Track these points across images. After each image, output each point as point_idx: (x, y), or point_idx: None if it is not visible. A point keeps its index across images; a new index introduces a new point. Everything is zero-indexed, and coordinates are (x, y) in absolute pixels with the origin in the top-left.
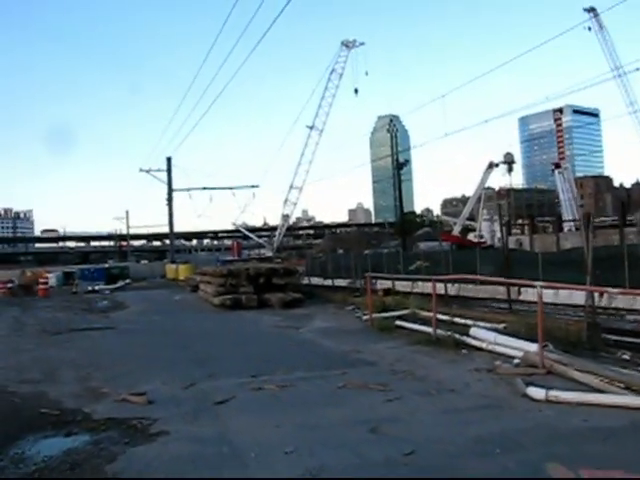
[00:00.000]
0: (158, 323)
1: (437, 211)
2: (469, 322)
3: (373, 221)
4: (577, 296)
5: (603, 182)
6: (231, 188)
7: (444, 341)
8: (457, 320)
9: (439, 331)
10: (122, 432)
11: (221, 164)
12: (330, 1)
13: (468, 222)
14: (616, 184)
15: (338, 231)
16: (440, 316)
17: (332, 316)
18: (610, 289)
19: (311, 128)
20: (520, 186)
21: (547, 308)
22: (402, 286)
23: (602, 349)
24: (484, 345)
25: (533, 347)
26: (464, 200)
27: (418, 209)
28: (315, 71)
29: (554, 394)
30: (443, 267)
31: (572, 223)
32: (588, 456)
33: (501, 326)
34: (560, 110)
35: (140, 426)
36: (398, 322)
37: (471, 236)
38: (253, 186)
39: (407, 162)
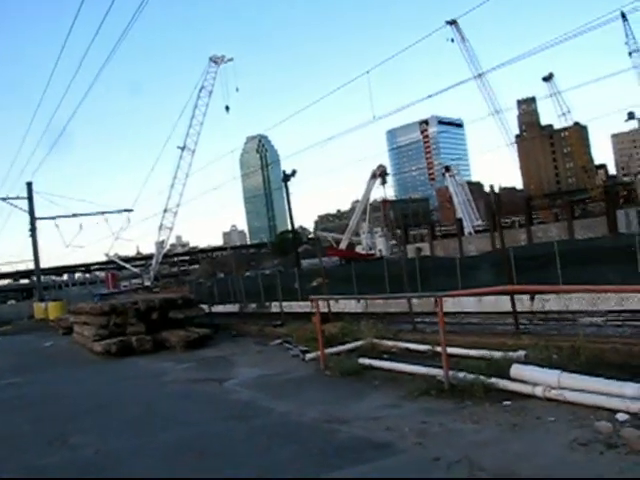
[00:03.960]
0: (17, 389)
1: (312, 228)
2: (459, 350)
3: (248, 242)
4: (503, 302)
5: (475, 188)
6: (103, 213)
7: (465, 389)
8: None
9: (458, 374)
10: None
11: (91, 189)
12: (200, 19)
13: (339, 236)
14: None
15: (215, 255)
16: (410, 345)
17: (259, 357)
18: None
19: (182, 149)
20: (393, 197)
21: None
22: (339, 307)
23: None
24: (539, 391)
25: (629, 389)
26: (339, 215)
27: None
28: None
29: None
30: (342, 283)
31: (471, 226)
32: None
33: (520, 354)
34: (426, 122)
35: None
36: (363, 360)
37: (359, 249)
38: (127, 210)
39: (293, 173)
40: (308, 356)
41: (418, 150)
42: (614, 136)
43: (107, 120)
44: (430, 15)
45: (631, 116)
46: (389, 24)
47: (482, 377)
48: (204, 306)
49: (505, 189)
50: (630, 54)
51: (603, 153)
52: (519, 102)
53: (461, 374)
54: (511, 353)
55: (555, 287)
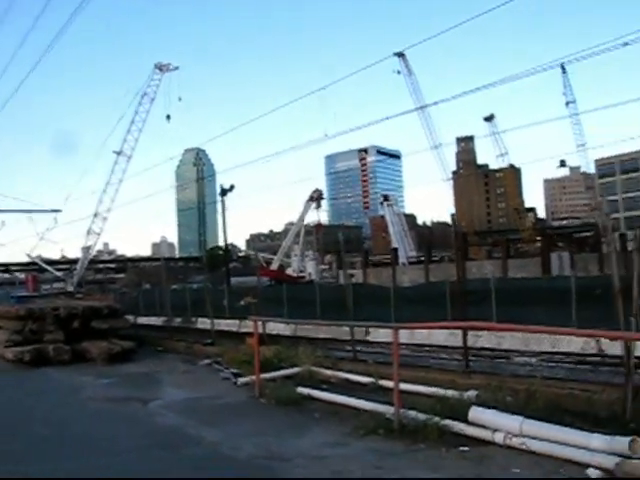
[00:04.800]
0: None
1: (242, 246)
2: (408, 386)
3: (177, 255)
4: (436, 335)
5: (408, 220)
6: (28, 211)
7: (417, 429)
8: (385, 384)
9: (408, 412)
10: None
11: (16, 187)
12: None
13: (270, 256)
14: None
15: (142, 265)
16: (351, 376)
17: (187, 377)
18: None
19: (118, 154)
20: (327, 222)
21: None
22: (279, 329)
23: None
24: (499, 437)
25: (597, 441)
26: (271, 235)
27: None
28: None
29: None
30: (272, 304)
31: (405, 257)
32: None
33: (471, 394)
34: (365, 150)
35: None
36: (302, 390)
37: (289, 271)
38: (54, 210)
39: (231, 188)
40: (241, 380)
41: (355, 177)
42: (546, 181)
43: (38, 119)
44: (382, 41)
45: (563, 163)
46: (342, 47)
47: (436, 418)
48: (129, 317)
49: (438, 223)
50: (567, 104)
51: (533, 196)
52: (458, 139)
53: (412, 413)
54: (464, 393)
55: (513, 326)
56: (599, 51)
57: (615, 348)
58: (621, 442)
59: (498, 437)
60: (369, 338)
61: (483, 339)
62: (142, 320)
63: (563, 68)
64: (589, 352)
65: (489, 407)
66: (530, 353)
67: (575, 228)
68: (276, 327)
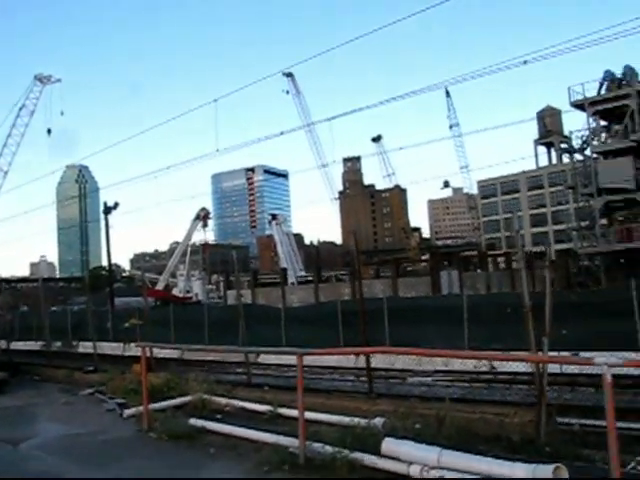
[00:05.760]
0: None
1: (126, 266)
2: (309, 414)
3: (58, 275)
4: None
5: (296, 239)
6: None
7: (325, 464)
8: (284, 412)
9: (314, 445)
10: None
11: None
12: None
13: (155, 276)
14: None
15: (19, 286)
16: (247, 404)
17: (67, 410)
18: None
19: None
20: (213, 241)
21: None
22: (166, 352)
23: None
24: (415, 471)
25: (520, 470)
26: (157, 255)
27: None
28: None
29: None
30: (160, 325)
31: (294, 276)
32: None
33: (379, 422)
34: (252, 169)
35: None
36: (195, 421)
37: (175, 291)
38: None
39: (115, 206)
40: (127, 412)
41: (242, 196)
42: (430, 201)
43: None
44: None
45: (446, 184)
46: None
47: (345, 451)
48: (1, 342)
49: (324, 243)
50: (451, 127)
51: (418, 216)
52: (345, 160)
53: (318, 445)
54: (371, 420)
55: (428, 350)
56: (483, 72)
57: (506, 366)
58: (545, 470)
59: (414, 470)
60: (260, 360)
61: (376, 359)
62: (18, 345)
63: (447, 92)
64: (482, 370)
65: (399, 436)
66: (424, 373)
67: (460, 247)
68: (163, 350)
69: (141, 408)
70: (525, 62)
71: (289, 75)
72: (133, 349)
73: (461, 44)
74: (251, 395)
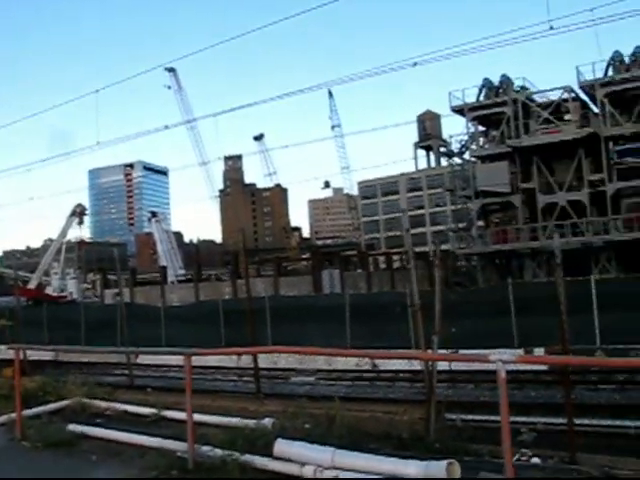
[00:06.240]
0: None
1: None
2: (196, 416)
3: None
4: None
5: (176, 237)
6: None
7: (215, 467)
8: (169, 414)
9: (203, 448)
10: None
11: None
12: None
13: (27, 274)
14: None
15: None
16: (129, 407)
17: None
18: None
19: None
20: (89, 238)
21: None
22: (39, 354)
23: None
24: (308, 472)
25: (413, 468)
26: (28, 252)
27: None
28: None
29: None
30: (33, 326)
31: (174, 275)
32: None
33: (267, 422)
34: (131, 165)
35: None
36: (74, 427)
37: (49, 290)
38: None
39: None
40: None
41: (119, 193)
42: (310, 201)
43: None
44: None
45: (327, 185)
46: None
47: (236, 453)
48: None
49: (204, 241)
50: (332, 127)
51: (299, 216)
52: (226, 158)
53: (207, 448)
54: (259, 421)
55: (319, 349)
56: (365, 75)
57: (388, 364)
58: (438, 466)
59: (307, 471)
60: (139, 361)
61: (260, 358)
62: None
63: (330, 93)
64: (364, 368)
65: (289, 436)
66: (306, 372)
67: (340, 247)
68: (37, 352)
69: (13, 415)
70: (415, 64)
71: (171, 70)
72: (3, 351)
73: (345, 47)
74: (134, 397)
